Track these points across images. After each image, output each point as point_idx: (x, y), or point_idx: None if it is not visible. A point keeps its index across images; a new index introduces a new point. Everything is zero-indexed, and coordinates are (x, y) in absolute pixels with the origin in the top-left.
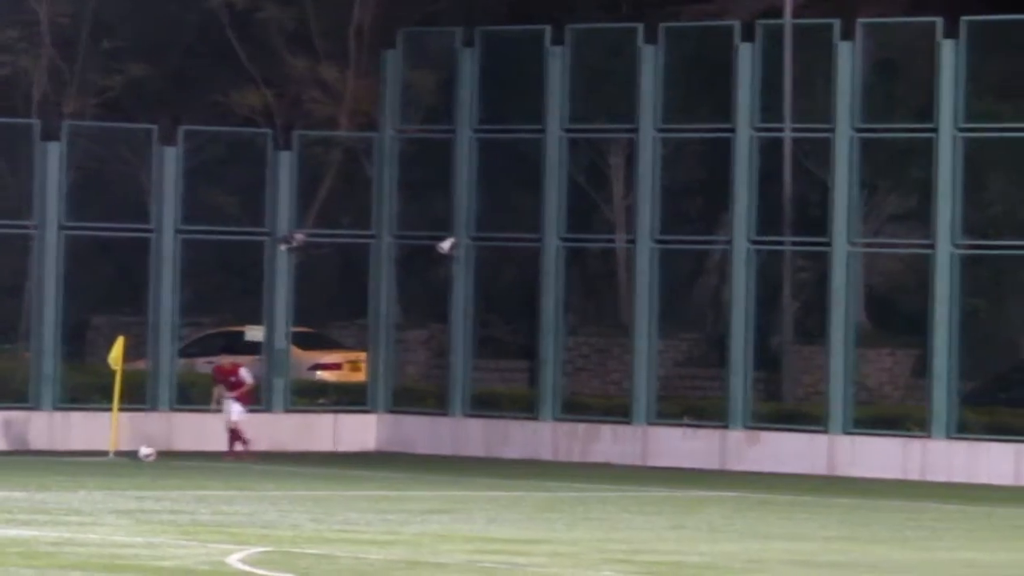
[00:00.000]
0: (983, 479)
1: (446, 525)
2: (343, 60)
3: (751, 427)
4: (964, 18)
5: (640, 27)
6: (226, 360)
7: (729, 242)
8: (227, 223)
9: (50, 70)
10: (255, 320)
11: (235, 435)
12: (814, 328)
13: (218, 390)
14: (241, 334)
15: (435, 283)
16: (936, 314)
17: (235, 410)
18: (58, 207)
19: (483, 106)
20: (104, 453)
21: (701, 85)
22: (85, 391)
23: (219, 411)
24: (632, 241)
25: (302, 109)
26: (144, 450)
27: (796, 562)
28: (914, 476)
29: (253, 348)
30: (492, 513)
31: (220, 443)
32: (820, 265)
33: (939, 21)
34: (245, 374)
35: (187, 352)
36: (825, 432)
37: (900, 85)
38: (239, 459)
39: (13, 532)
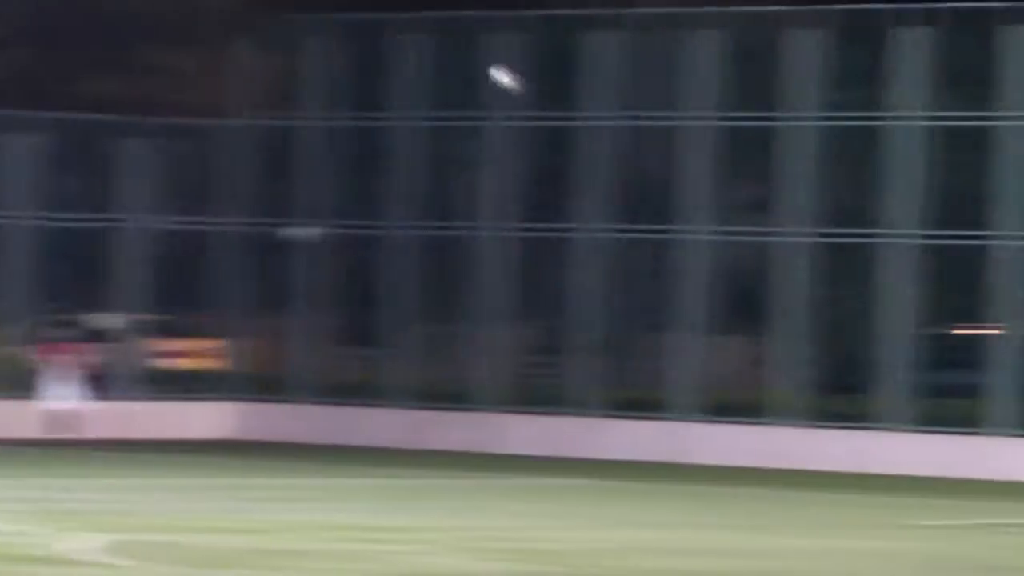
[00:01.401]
0: (827, 466)
1: (298, 513)
2: (194, 48)
3: (600, 414)
4: (820, 8)
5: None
6: (65, 342)
7: (579, 230)
8: (76, 210)
9: None
10: (105, 307)
11: (74, 419)
12: (663, 315)
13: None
14: (91, 321)
15: (283, 271)
16: (784, 302)
17: (79, 394)
18: None
19: (332, 93)
20: None
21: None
22: None
23: (58, 396)
24: (480, 229)
25: (153, 97)
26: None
27: (644, 549)
28: (762, 463)
29: (102, 336)
30: (342, 501)
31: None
32: (670, 252)
33: (800, 10)
34: (89, 357)
35: (35, 339)
36: (674, 419)
37: (756, 75)
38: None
39: None
